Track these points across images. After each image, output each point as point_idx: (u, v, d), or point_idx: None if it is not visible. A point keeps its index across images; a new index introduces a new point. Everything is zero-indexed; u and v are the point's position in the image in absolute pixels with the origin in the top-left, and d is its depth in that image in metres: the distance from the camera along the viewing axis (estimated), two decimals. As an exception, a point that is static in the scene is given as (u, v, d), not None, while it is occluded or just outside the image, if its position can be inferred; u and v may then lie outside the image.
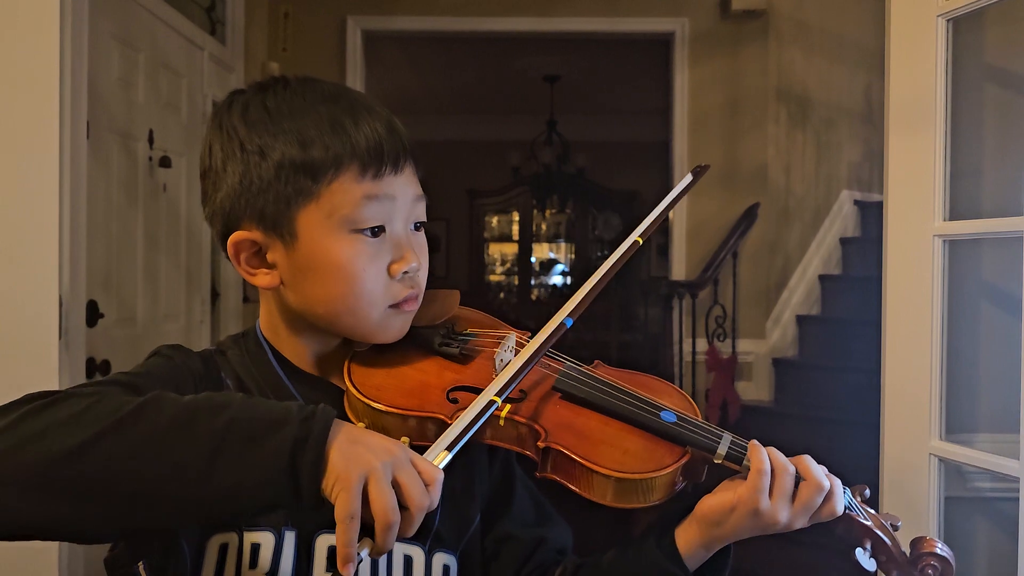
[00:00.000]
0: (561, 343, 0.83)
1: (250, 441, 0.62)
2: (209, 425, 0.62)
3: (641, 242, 0.90)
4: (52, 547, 1.83)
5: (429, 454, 0.67)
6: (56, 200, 1.84)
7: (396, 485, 0.62)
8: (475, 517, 0.88)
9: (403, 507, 0.62)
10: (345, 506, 0.60)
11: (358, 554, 0.60)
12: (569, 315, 0.82)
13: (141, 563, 0.75)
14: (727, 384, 4.01)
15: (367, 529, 0.61)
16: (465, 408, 0.73)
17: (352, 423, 0.80)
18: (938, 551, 0.79)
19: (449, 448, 0.68)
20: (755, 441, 0.79)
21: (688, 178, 1.00)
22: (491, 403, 0.72)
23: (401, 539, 0.80)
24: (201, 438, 0.62)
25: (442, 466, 0.66)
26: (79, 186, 1.98)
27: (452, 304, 0.93)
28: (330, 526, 0.78)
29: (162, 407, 0.63)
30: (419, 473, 0.64)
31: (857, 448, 1.93)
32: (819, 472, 0.76)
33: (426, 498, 0.63)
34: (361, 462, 0.62)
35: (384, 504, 0.61)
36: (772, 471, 0.75)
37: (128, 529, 0.65)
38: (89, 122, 2.07)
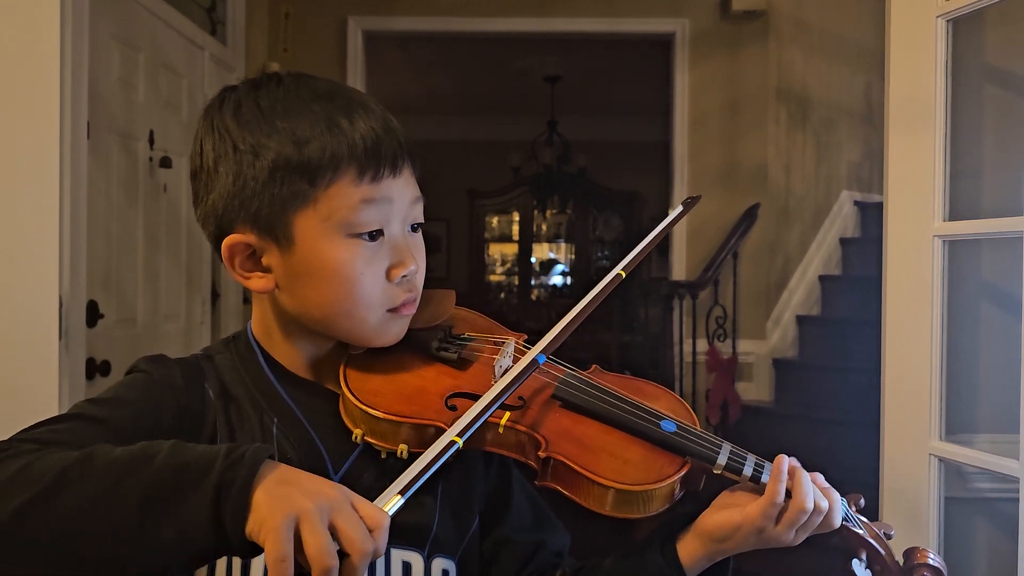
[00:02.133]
0: (564, 343, 0.82)
1: (175, 494, 0.59)
2: (135, 482, 0.60)
3: (624, 276, 0.89)
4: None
5: (380, 499, 0.62)
6: (56, 200, 1.84)
7: (333, 529, 0.58)
8: (473, 521, 0.87)
9: (343, 554, 0.57)
10: (272, 549, 0.56)
11: None
12: (543, 351, 0.80)
13: None
14: (727, 384, 4.01)
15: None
16: (459, 416, 0.72)
17: (345, 425, 0.79)
18: (931, 561, 0.79)
19: (402, 492, 0.63)
20: (783, 462, 0.77)
21: (679, 209, 0.98)
22: (451, 444, 0.68)
23: (398, 545, 0.80)
24: (128, 497, 0.59)
25: (392, 511, 0.61)
26: (79, 186, 1.98)
27: (448, 305, 0.91)
28: None
29: (93, 467, 0.61)
30: (362, 518, 0.59)
31: (857, 448, 1.93)
32: (824, 499, 0.76)
33: (369, 542, 0.58)
34: (289, 503, 0.58)
35: (318, 546, 0.56)
36: (785, 502, 0.75)
37: None
38: (89, 122, 2.07)
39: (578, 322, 0.84)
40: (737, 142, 4.13)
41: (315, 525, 0.57)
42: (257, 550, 0.59)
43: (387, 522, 0.60)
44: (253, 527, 0.58)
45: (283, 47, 3.87)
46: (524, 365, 0.77)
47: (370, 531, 0.59)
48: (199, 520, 0.58)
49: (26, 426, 0.69)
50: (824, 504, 0.76)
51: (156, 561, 0.60)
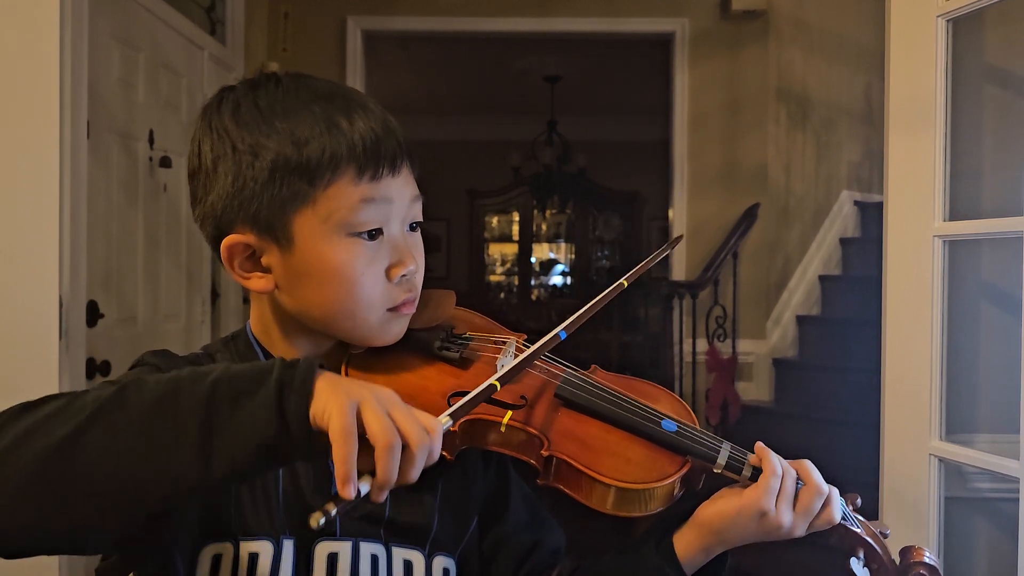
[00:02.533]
0: (562, 345, 0.82)
1: (236, 397, 0.60)
2: (193, 392, 0.60)
3: (627, 284, 0.90)
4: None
5: (441, 417, 0.65)
6: (56, 200, 1.84)
7: (391, 419, 0.59)
8: (472, 521, 0.88)
9: (403, 446, 0.59)
10: (339, 421, 0.57)
11: (358, 487, 0.57)
12: (564, 329, 0.81)
13: (132, 574, 0.74)
14: (727, 384, 4.01)
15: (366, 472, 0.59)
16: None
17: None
18: (927, 560, 0.80)
19: (452, 415, 0.66)
20: (761, 444, 0.79)
21: (664, 250, 1.00)
22: (491, 386, 0.71)
23: (399, 543, 0.80)
24: (188, 406, 0.59)
25: (445, 427, 0.64)
26: (79, 186, 1.98)
27: (448, 305, 0.91)
28: (329, 532, 0.77)
29: (143, 386, 0.61)
30: (416, 416, 0.61)
31: (857, 448, 1.93)
32: (819, 476, 0.77)
33: (425, 436, 0.60)
34: (351, 391, 0.59)
35: (382, 425, 0.58)
36: (781, 474, 0.76)
37: (138, 520, 0.61)
38: (89, 122, 2.07)
39: (592, 313, 0.85)
40: (737, 142, 4.13)
41: (376, 409, 0.59)
42: (317, 447, 0.59)
43: (440, 429, 0.63)
44: (316, 410, 0.59)
45: (283, 47, 3.87)
46: (549, 337, 0.79)
47: (427, 430, 0.61)
48: (263, 411, 0.59)
49: None
50: (819, 480, 0.77)
51: (218, 469, 0.59)
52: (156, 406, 0.59)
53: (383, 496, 0.59)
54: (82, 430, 0.58)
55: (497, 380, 0.71)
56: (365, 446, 0.58)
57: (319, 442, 0.59)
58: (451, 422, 0.65)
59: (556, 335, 0.80)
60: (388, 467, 0.58)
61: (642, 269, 0.92)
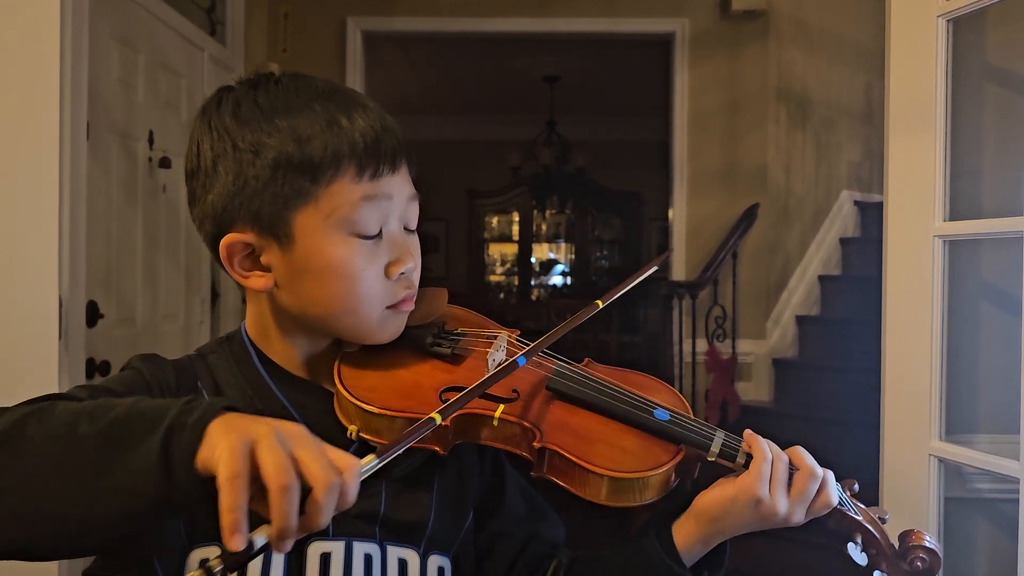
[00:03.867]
0: (562, 344, 0.83)
1: (129, 438, 0.56)
2: (92, 427, 0.58)
3: (601, 305, 0.89)
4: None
5: (364, 459, 0.60)
6: (56, 200, 1.84)
7: (294, 460, 0.54)
8: (468, 518, 0.88)
9: (305, 490, 0.54)
10: (227, 465, 0.52)
11: (251, 539, 0.52)
12: (523, 355, 0.79)
13: None
14: (727, 384, 4.01)
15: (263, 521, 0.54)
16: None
17: (340, 422, 0.79)
18: (926, 543, 0.80)
19: (379, 454, 0.61)
20: (750, 431, 0.79)
21: (654, 266, 1.00)
22: (430, 420, 0.67)
23: (394, 542, 0.80)
24: (84, 443, 0.57)
25: (366, 469, 0.59)
26: (79, 186, 1.97)
27: (441, 303, 0.92)
28: (321, 532, 0.76)
29: (52, 415, 0.59)
30: (327, 455, 0.56)
31: (857, 449, 1.93)
32: (811, 460, 0.78)
33: (334, 474, 0.54)
34: (247, 431, 0.54)
35: (275, 463, 0.52)
36: (772, 459, 0.77)
37: (64, 549, 0.59)
38: (89, 122, 2.07)
39: (553, 339, 0.83)
40: (737, 142, 4.13)
41: (272, 447, 0.53)
42: (205, 496, 0.54)
43: (357, 469, 0.57)
44: (205, 454, 0.54)
45: (282, 47, 3.87)
46: (503, 367, 0.78)
47: (338, 471, 0.55)
48: (149, 460, 0.55)
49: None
50: (812, 464, 0.78)
51: (111, 515, 0.56)
52: (56, 440, 0.58)
53: (286, 546, 0.53)
54: None
55: (437, 413, 0.68)
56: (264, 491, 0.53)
57: (212, 491, 0.53)
58: (378, 462, 0.60)
59: (514, 361, 0.78)
60: (283, 511, 0.52)
61: (620, 290, 0.92)
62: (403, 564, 0.81)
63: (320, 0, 4.00)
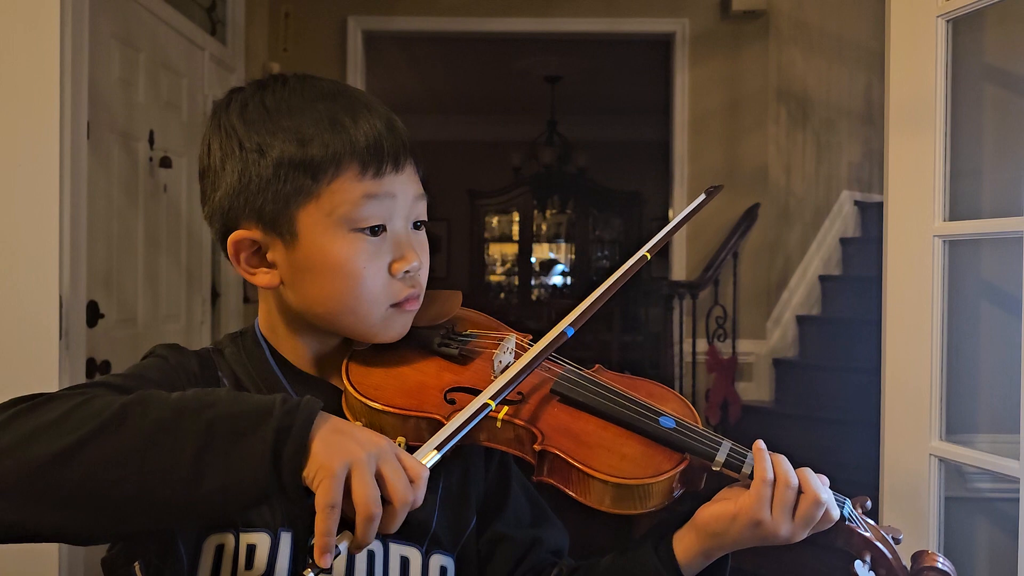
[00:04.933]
0: (565, 345, 0.82)
1: (233, 437, 0.61)
2: (193, 425, 0.62)
3: (649, 257, 0.90)
4: (52, 547, 1.83)
5: (419, 453, 0.66)
6: (56, 200, 1.84)
7: (380, 478, 0.62)
8: (471, 518, 0.88)
9: (386, 501, 0.61)
10: (326, 495, 0.59)
11: (336, 546, 0.60)
12: (571, 324, 0.81)
13: (137, 563, 0.74)
14: (727, 384, 4.01)
15: (348, 523, 0.61)
16: (461, 409, 0.73)
17: (347, 419, 0.80)
18: (939, 566, 0.78)
19: (439, 448, 0.67)
20: (760, 444, 0.77)
21: (701, 197, 0.98)
22: (485, 406, 0.71)
23: (397, 540, 0.81)
24: (185, 439, 0.61)
25: (430, 464, 0.66)
26: (79, 186, 1.98)
27: (454, 305, 0.92)
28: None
29: (147, 408, 0.62)
30: (404, 468, 0.63)
31: (857, 448, 1.93)
32: (818, 484, 0.75)
33: (410, 493, 0.62)
34: (344, 451, 0.61)
35: (366, 495, 0.60)
36: (775, 481, 0.75)
37: (119, 534, 0.65)
38: (89, 122, 2.07)
39: (605, 299, 0.85)
40: (737, 142, 4.13)
41: (365, 474, 0.61)
42: (303, 501, 0.61)
43: (426, 474, 0.64)
44: (310, 471, 0.61)
45: (283, 47, 3.87)
46: (554, 336, 0.80)
47: (411, 481, 0.63)
48: (258, 463, 0.61)
49: None
50: (817, 489, 0.75)
51: (203, 509, 0.62)
52: (154, 432, 0.61)
53: (360, 552, 0.63)
54: (82, 443, 0.60)
55: (490, 398, 0.73)
56: (352, 500, 0.61)
57: (309, 498, 0.61)
58: (438, 455, 0.67)
59: (562, 332, 0.80)
60: (367, 534, 0.61)
61: (666, 239, 0.92)
62: (405, 562, 0.81)
63: None
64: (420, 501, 0.63)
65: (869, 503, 0.83)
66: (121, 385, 0.71)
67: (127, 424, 0.61)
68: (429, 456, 0.66)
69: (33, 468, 0.59)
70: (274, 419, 0.62)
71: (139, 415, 0.62)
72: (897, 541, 0.80)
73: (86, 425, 0.61)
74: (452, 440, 0.68)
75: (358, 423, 0.79)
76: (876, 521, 0.83)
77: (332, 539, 0.59)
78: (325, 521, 0.59)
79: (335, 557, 0.60)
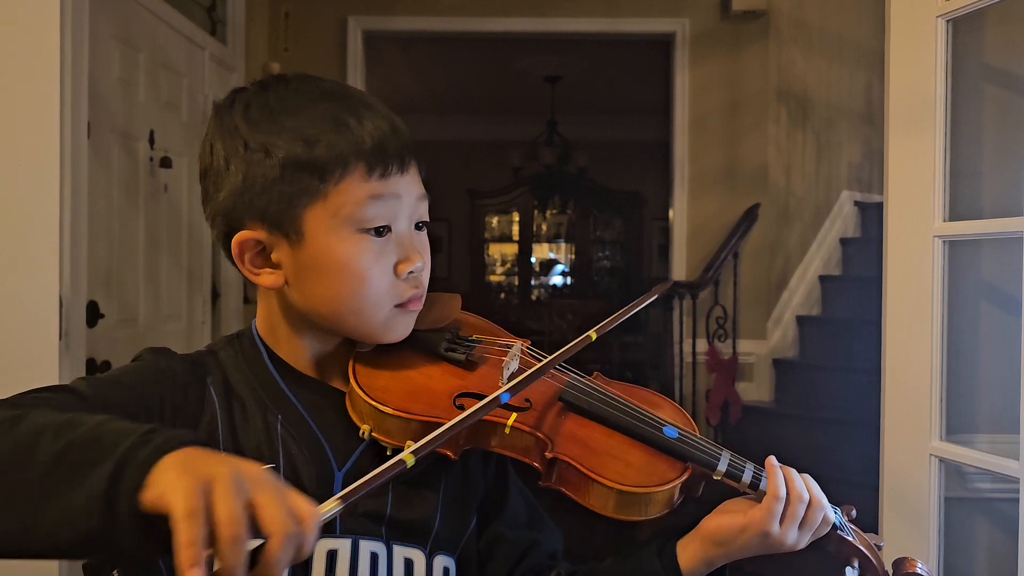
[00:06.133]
0: (562, 345, 0.83)
1: (81, 464, 0.54)
2: (50, 446, 0.56)
3: (594, 337, 0.85)
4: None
5: (322, 505, 0.56)
6: (56, 200, 1.84)
7: (251, 506, 0.51)
8: (472, 520, 0.88)
9: (263, 535, 0.51)
10: (181, 503, 0.49)
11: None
12: (507, 390, 0.75)
13: (116, 571, 0.74)
14: (728, 385, 4.01)
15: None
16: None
17: (352, 421, 0.80)
18: (919, 571, 0.81)
19: (343, 498, 0.57)
20: (772, 461, 0.80)
21: (653, 295, 0.98)
22: (401, 462, 0.62)
23: (400, 542, 0.80)
24: (37, 462, 0.55)
25: (327, 515, 0.55)
26: (80, 186, 1.97)
27: (454, 308, 0.93)
28: (328, 530, 0.76)
29: (20, 424, 0.58)
30: (290, 503, 0.53)
31: (857, 448, 1.93)
32: (819, 490, 0.79)
33: (292, 524, 0.51)
34: (202, 469, 0.51)
35: (228, 511, 0.49)
36: (787, 497, 0.77)
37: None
38: (90, 122, 2.07)
39: (544, 371, 0.81)
40: (737, 142, 4.13)
41: (227, 491, 0.50)
42: (143, 540, 0.52)
43: (317, 519, 0.54)
44: (156, 492, 0.51)
45: (283, 47, 3.87)
46: (484, 403, 0.73)
47: (298, 519, 0.52)
48: (92, 494, 0.52)
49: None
50: (819, 494, 0.79)
51: (47, 540, 0.54)
52: (14, 455, 0.57)
53: None
54: None
55: (411, 454, 0.63)
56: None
57: (158, 533, 0.51)
58: (340, 507, 0.56)
59: (497, 399, 0.74)
60: (231, 563, 0.49)
61: (614, 322, 0.90)
62: (409, 564, 0.81)
63: None
64: (308, 545, 0.53)
65: (855, 512, 0.86)
66: (84, 392, 0.70)
67: None
68: (330, 506, 0.56)
69: None
70: (122, 448, 0.54)
71: (4, 435, 0.57)
72: (879, 548, 0.84)
73: None
74: (357, 494, 0.58)
75: (366, 426, 0.78)
76: (876, 522, 0.85)
77: (199, 551, 0.48)
78: (186, 530, 0.48)
79: None
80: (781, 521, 0.77)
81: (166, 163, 2.61)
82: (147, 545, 0.52)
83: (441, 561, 0.83)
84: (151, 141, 2.56)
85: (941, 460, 1.57)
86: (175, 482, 0.51)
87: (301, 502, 0.53)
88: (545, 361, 0.81)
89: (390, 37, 4.44)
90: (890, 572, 0.82)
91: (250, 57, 3.45)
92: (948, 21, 1.56)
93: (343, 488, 0.73)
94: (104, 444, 0.55)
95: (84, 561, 0.76)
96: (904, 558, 0.82)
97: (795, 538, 0.77)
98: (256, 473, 0.53)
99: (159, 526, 0.50)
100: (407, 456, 0.62)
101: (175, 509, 0.49)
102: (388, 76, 6.03)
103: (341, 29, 4.00)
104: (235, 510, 0.50)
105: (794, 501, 0.77)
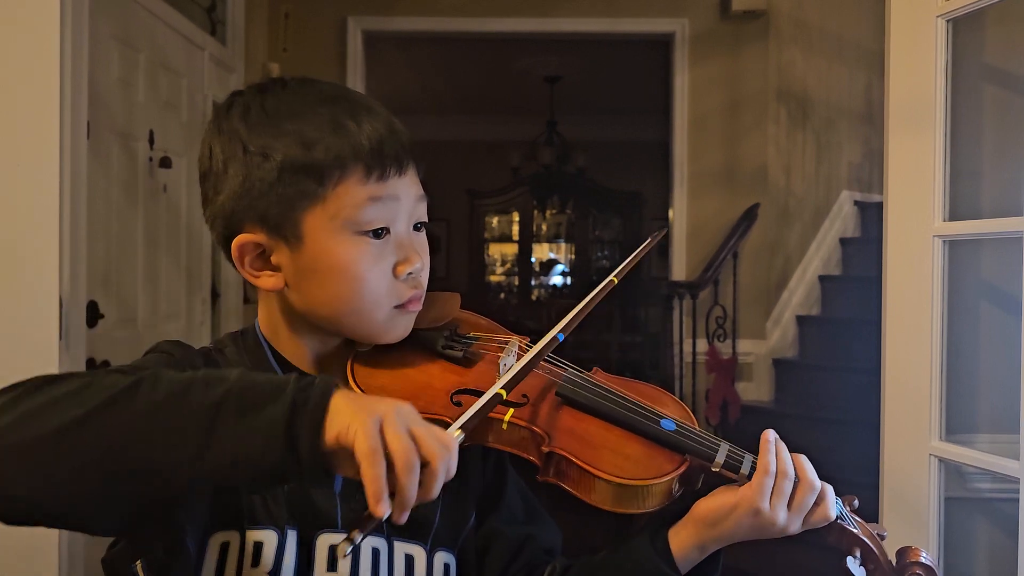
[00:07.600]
0: (563, 345, 0.83)
1: (246, 411, 0.60)
2: (204, 398, 0.61)
3: (616, 281, 0.92)
4: (52, 546, 1.83)
5: (453, 432, 0.66)
6: (56, 200, 1.84)
7: (412, 436, 0.60)
8: (470, 515, 0.89)
9: (424, 464, 0.60)
10: (365, 441, 0.58)
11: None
12: (561, 331, 0.83)
13: (139, 562, 0.74)
14: (727, 385, 4.01)
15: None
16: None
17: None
18: (923, 560, 0.81)
19: (463, 428, 0.67)
20: (768, 436, 0.79)
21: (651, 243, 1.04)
22: (497, 395, 0.72)
23: (401, 538, 0.81)
24: (196, 411, 0.60)
25: (461, 441, 0.65)
26: (79, 186, 1.98)
27: (453, 307, 0.93)
28: (330, 525, 0.79)
29: (158, 382, 0.62)
30: (435, 433, 0.62)
31: (857, 448, 1.93)
32: (812, 472, 0.79)
33: (446, 452, 0.61)
34: (372, 408, 0.60)
35: (403, 444, 0.58)
36: (776, 473, 0.77)
37: (129, 512, 0.64)
38: (89, 122, 2.07)
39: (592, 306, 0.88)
40: (737, 142, 4.13)
41: (398, 427, 0.59)
42: (322, 474, 0.60)
43: (456, 445, 0.63)
44: (338, 431, 0.59)
45: (283, 47, 3.87)
46: (547, 340, 0.80)
47: (444, 446, 0.61)
48: (271, 434, 0.59)
49: None
50: (813, 477, 0.78)
51: (214, 480, 0.62)
52: (165, 403, 0.61)
53: (404, 517, 0.59)
54: (94, 414, 0.60)
55: (502, 388, 0.73)
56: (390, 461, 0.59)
57: (325, 466, 0.60)
58: (463, 435, 0.66)
59: (555, 337, 0.81)
60: (410, 486, 0.59)
61: (632, 263, 0.94)
62: (410, 560, 0.82)
63: None
64: (454, 469, 0.62)
65: (857, 502, 0.85)
66: (126, 371, 0.71)
67: (138, 396, 0.61)
68: (457, 434, 0.66)
69: (46, 439, 0.59)
70: (288, 393, 0.61)
71: (149, 388, 0.61)
72: (882, 538, 0.83)
73: (97, 397, 0.61)
74: (472, 423, 0.69)
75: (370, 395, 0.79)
76: (877, 522, 0.85)
77: (384, 484, 0.57)
78: (372, 466, 0.57)
79: (382, 519, 0.58)
80: (771, 498, 0.76)
81: (165, 163, 2.61)
82: (319, 476, 0.61)
83: (442, 557, 0.84)
84: (150, 141, 2.56)
85: (941, 460, 1.57)
86: (353, 421, 0.59)
87: (441, 432, 0.63)
88: (575, 310, 0.84)
89: (390, 37, 4.44)
90: (894, 561, 0.82)
91: (250, 57, 3.45)
92: (948, 21, 1.56)
93: (342, 486, 0.75)
94: (263, 389, 0.62)
95: (104, 556, 0.77)
96: (908, 547, 0.82)
97: (785, 519, 0.77)
98: (407, 409, 0.63)
99: (329, 462, 0.60)
100: (500, 390, 0.72)
101: (360, 447, 0.58)
102: (388, 76, 6.03)
103: (341, 29, 4.01)
104: (406, 444, 0.59)
105: (781, 476, 0.77)
